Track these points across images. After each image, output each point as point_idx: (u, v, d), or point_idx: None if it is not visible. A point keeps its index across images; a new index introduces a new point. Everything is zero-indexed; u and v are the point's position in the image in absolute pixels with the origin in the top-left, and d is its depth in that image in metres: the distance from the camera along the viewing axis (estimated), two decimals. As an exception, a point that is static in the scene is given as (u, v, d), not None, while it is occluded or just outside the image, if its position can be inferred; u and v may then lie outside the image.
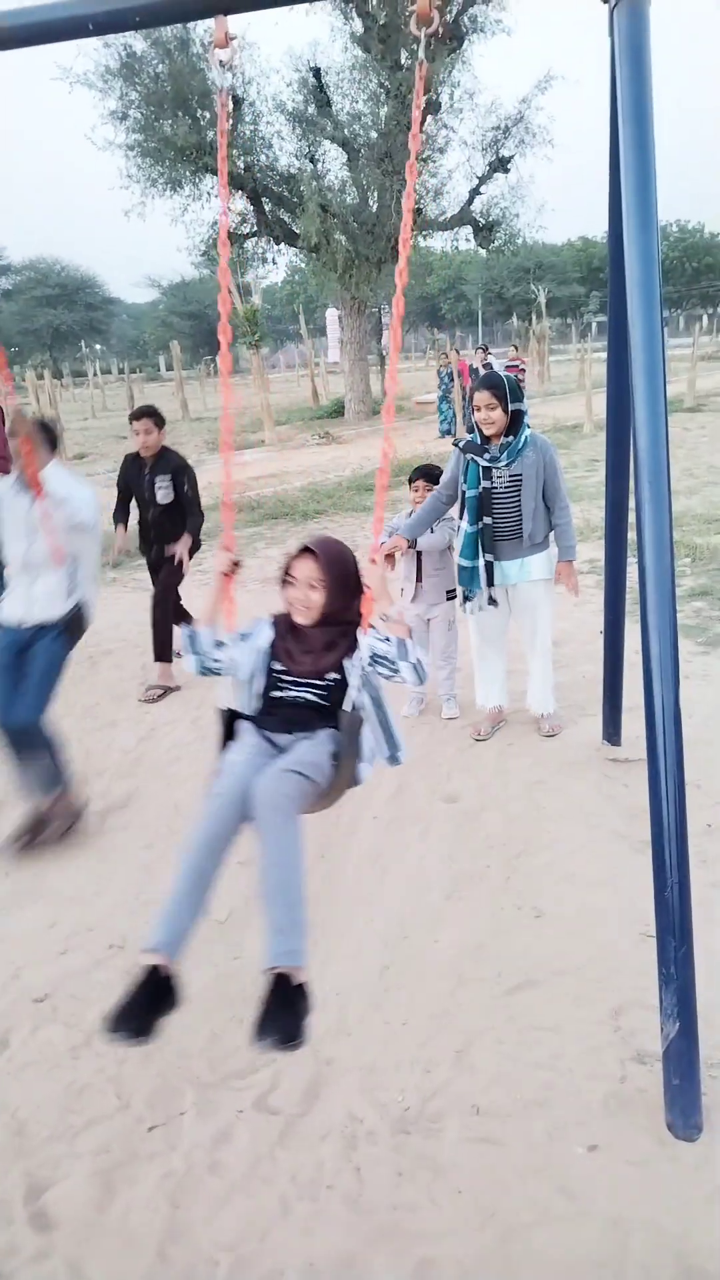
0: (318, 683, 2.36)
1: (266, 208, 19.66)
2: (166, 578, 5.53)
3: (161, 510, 5.45)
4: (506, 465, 4.11)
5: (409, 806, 3.93)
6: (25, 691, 3.71)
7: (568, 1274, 1.93)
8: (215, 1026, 2.75)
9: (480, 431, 4.14)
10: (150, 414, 5.39)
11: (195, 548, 5.54)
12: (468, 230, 21.85)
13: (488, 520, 4.19)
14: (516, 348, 16.30)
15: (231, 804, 2.09)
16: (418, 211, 19.40)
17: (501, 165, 20.40)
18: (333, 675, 2.36)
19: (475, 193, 20.83)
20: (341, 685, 2.31)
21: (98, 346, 63.87)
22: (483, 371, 14.86)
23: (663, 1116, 2.26)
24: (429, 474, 4.66)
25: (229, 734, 2.39)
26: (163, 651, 5.47)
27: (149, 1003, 1.85)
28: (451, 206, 20.86)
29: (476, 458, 4.15)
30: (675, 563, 2.27)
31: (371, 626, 2.31)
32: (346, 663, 2.34)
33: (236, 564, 2.51)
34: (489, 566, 4.24)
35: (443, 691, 4.89)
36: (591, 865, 3.39)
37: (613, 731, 4.25)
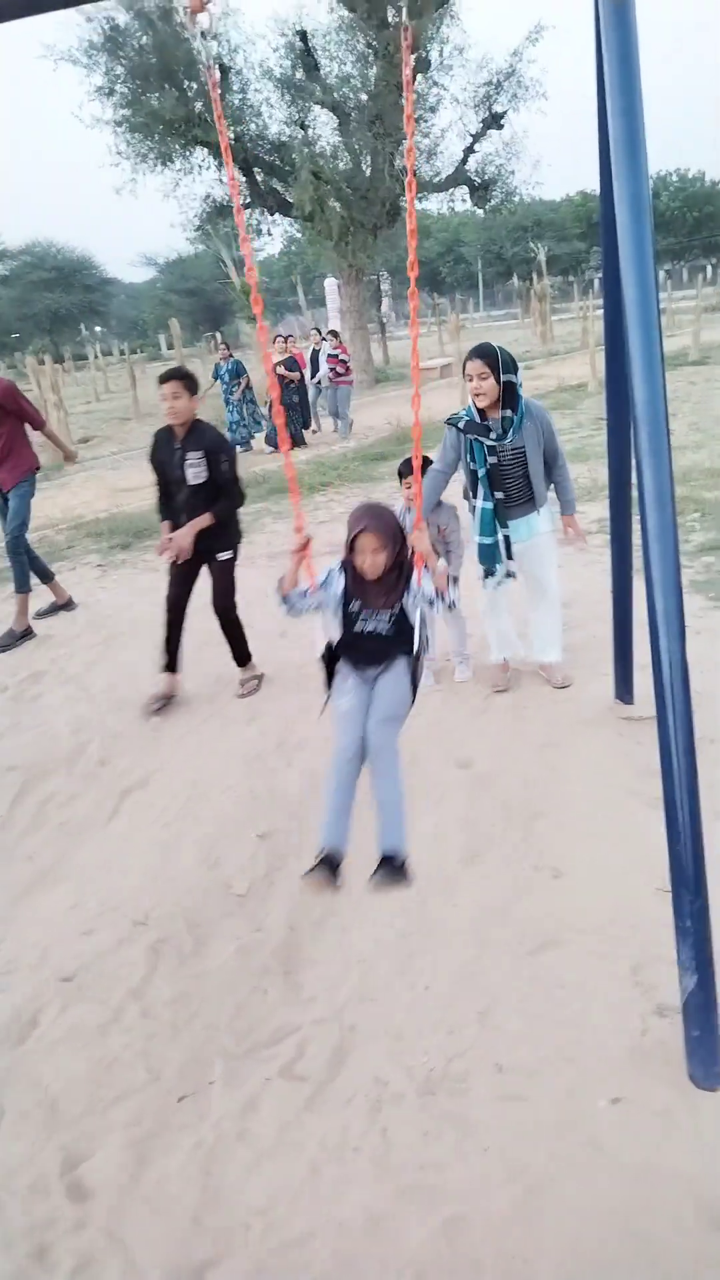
0: (385, 617, 2.87)
1: (259, 178, 19.43)
2: (221, 584, 4.92)
3: (192, 491, 4.68)
4: (511, 442, 4.11)
5: (423, 775, 3.93)
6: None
7: (595, 1223, 1.96)
8: (240, 999, 2.79)
9: (474, 405, 4.11)
10: (179, 376, 4.63)
11: (233, 542, 4.92)
12: (464, 191, 21.52)
13: (499, 495, 4.23)
14: (336, 334, 15.39)
15: (353, 745, 2.68)
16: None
17: (495, 121, 20.04)
18: (396, 608, 2.88)
19: (469, 151, 20.48)
20: (402, 616, 2.84)
21: (97, 328, 63.36)
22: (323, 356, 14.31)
23: (684, 1068, 2.28)
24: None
25: (330, 673, 2.90)
26: (243, 656, 5.12)
27: (327, 874, 2.45)
28: (446, 167, 20.53)
29: (481, 438, 4.14)
30: (683, 518, 2.25)
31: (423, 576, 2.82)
32: (405, 599, 2.84)
33: (308, 541, 2.84)
34: (507, 540, 4.32)
35: (456, 658, 4.93)
36: (608, 824, 3.39)
37: (625, 690, 4.24)
